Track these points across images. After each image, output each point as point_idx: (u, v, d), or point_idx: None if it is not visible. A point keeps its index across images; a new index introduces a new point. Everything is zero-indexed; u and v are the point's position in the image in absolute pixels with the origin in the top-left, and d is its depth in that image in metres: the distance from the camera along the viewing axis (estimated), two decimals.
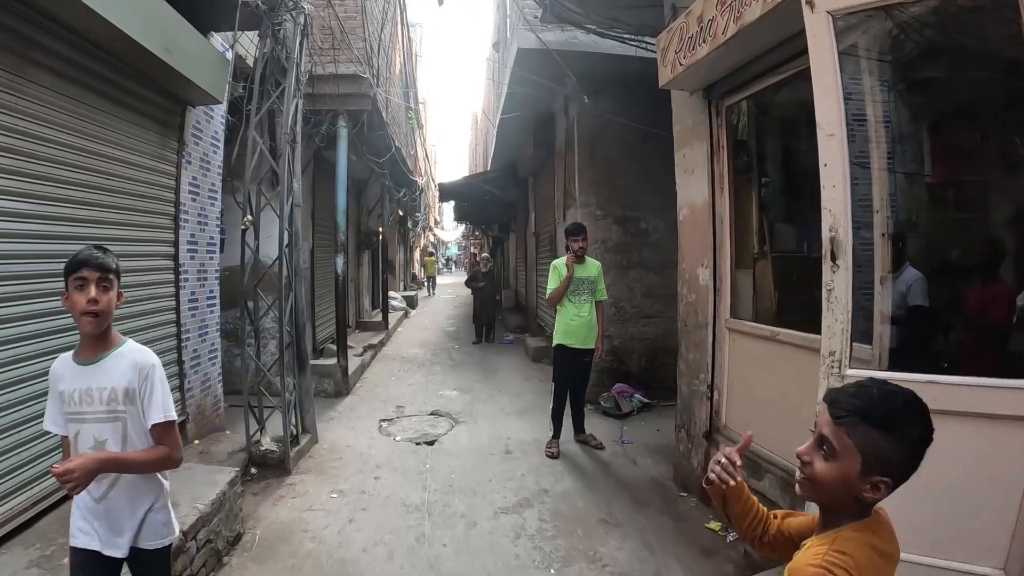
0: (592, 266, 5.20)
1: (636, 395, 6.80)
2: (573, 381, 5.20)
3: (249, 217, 4.52)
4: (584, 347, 5.05)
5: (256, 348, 4.84)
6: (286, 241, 4.74)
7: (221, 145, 5.43)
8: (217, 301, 5.36)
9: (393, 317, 13.50)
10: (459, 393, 7.28)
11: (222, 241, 5.48)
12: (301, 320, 5.10)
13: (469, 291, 25.52)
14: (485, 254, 11.32)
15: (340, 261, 6.82)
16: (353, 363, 7.95)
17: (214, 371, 5.33)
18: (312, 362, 7.03)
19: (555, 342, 5.11)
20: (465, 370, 8.64)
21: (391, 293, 16.03)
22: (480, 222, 23.58)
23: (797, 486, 1.13)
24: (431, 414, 6.40)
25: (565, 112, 7.50)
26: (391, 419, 6.22)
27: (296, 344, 5.09)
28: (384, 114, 9.03)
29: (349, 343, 9.05)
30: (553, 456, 5.06)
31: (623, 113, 6.66)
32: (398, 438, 5.61)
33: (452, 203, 19.55)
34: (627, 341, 7.04)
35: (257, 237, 4.73)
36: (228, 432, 5.38)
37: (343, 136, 7.00)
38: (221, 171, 5.41)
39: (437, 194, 14.45)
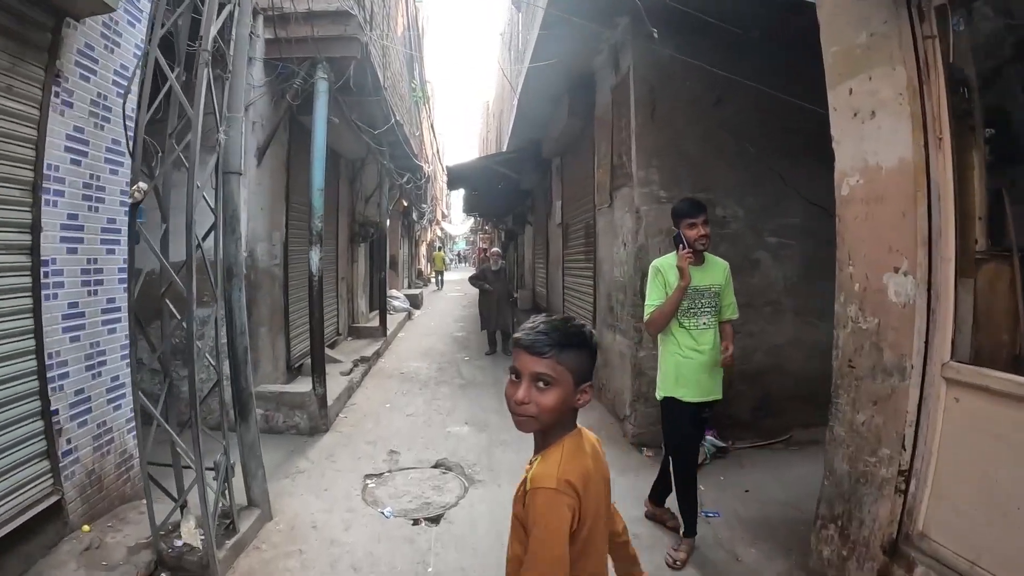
0: (717, 268, 3.32)
1: (709, 437, 5.10)
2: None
3: (142, 185, 2.81)
4: (705, 399, 3.19)
5: (165, 389, 3.13)
6: (206, 231, 3.02)
7: (135, 87, 3.72)
8: (123, 314, 3.66)
9: (394, 320, 11.82)
10: (472, 430, 5.57)
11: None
12: (240, 345, 3.40)
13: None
14: (496, 249, 9.52)
15: (315, 257, 5.11)
16: (337, 385, 6.26)
17: (119, 417, 3.65)
18: (281, 389, 5.37)
19: (662, 393, 3.27)
20: (478, 393, 6.93)
21: (392, 292, 14.35)
22: (492, 214, 21.87)
23: (519, 425, 1.32)
24: (435, 466, 4.70)
25: (613, 66, 5.75)
26: (380, 475, 4.53)
27: (233, 382, 3.40)
28: (380, 76, 7.31)
29: (337, 356, 7.38)
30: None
31: (695, 59, 4.93)
32: (388, 510, 3.91)
33: (461, 193, 17.84)
34: None
35: (166, 219, 3.02)
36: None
37: (322, 91, 5.28)
38: (133, 125, 3.69)
39: (445, 181, 12.74)
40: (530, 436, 4.77)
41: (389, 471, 4.58)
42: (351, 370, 7.13)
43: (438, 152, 24.22)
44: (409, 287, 20.25)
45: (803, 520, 3.60)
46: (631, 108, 5.16)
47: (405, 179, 12.09)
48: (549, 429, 1.31)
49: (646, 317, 3.23)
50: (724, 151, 5.31)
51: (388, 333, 9.84)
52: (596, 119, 6.42)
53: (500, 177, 12.05)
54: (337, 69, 5.55)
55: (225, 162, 3.39)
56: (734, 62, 4.90)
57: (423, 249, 29.49)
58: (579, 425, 1.37)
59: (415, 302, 15.53)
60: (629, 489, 4.31)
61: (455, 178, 11.95)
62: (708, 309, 3.19)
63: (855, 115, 2.74)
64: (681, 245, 3.13)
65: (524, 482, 1.30)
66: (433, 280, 28.33)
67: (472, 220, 39.37)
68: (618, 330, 5.59)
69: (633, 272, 5.08)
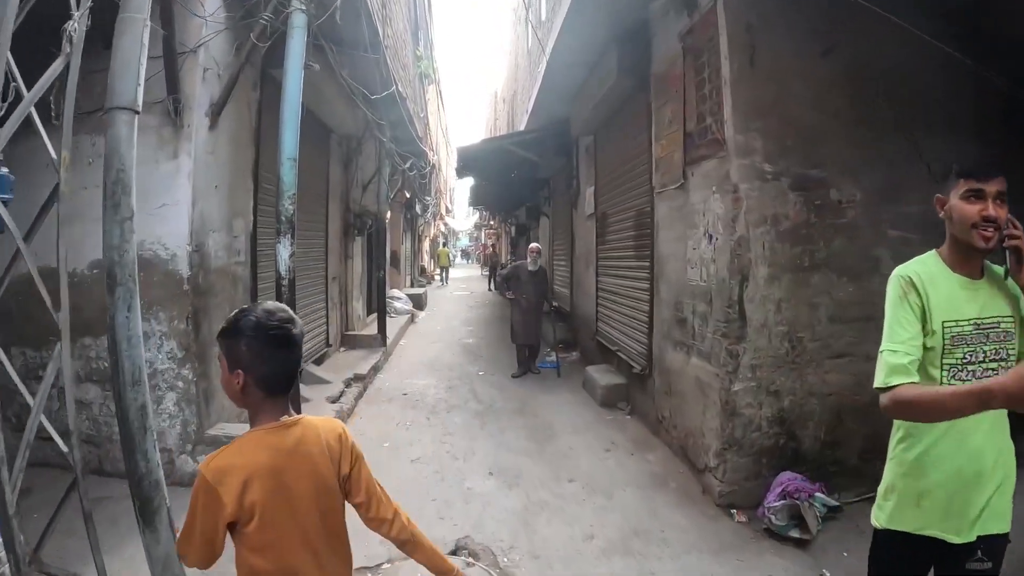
0: (1008, 287, 1.66)
1: (818, 494, 3.78)
2: None
3: None
4: (964, 538, 1.59)
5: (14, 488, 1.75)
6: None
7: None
8: None
9: (395, 324, 10.44)
10: (499, 485, 4.17)
11: None
12: (133, 402, 2.00)
13: (487, 286, 22.82)
14: (535, 244, 7.87)
15: (284, 252, 3.70)
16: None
17: None
18: (224, 433, 4.00)
19: (881, 518, 1.73)
20: (501, 424, 5.51)
21: (394, 292, 12.97)
22: (502, 207, 20.45)
23: None
24: (454, 551, 3.30)
25: (684, 5, 4.35)
26: (377, 567, 3.14)
27: (127, 464, 2.02)
28: (380, 29, 5.93)
29: (324, 374, 6.02)
30: None
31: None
32: None
33: (467, 187, 16.44)
34: (803, 399, 3.94)
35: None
36: None
37: (297, 25, 3.87)
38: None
39: (455, 167, 11.34)
40: (582, 488, 4.10)
41: (389, 561, 3.17)
42: (341, 394, 5.74)
43: (445, 132, 22.81)
44: (412, 285, 18.87)
45: None
46: (722, 53, 3.77)
47: (408, 165, 10.71)
48: (250, 414, 1.37)
49: (882, 378, 1.55)
50: (838, 115, 3.96)
51: (388, 342, 8.44)
52: (654, 78, 5.02)
53: (515, 164, 10.66)
54: (320, 1, 4.15)
55: (110, 91, 2.01)
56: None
57: (426, 244, 28.08)
58: (300, 417, 1.39)
59: (419, 302, 14.14)
60: None
61: (466, 162, 10.54)
62: (997, 361, 1.59)
63: None
64: (970, 229, 1.55)
65: None
66: (438, 276, 27.71)
67: (477, 215, 38.00)
68: (695, 351, 4.20)
69: (727, 275, 3.69)
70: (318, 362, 6.64)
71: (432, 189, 20.81)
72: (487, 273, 28.04)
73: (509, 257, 25.26)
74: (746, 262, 3.62)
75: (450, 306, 16.53)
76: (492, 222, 32.03)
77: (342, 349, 7.92)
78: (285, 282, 3.72)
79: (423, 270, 25.06)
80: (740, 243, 3.61)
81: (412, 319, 12.16)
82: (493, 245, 30.41)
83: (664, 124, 4.75)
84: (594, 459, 4.60)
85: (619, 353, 6.13)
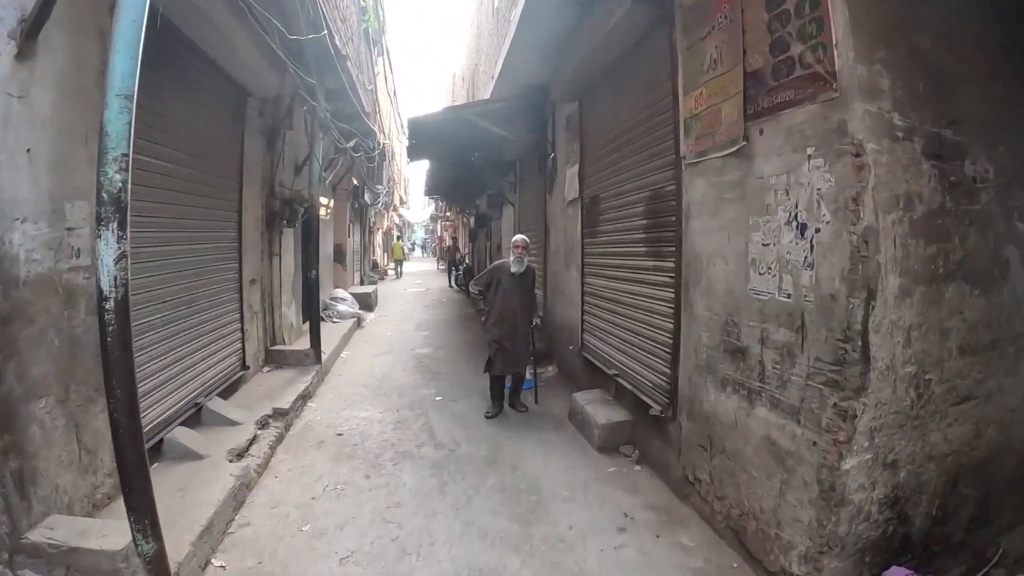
0: None
1: None
2: None
3: None
4: None
5: None
6: None
7: None
8: None
9: (337, 332, 8.84)
10: None
11: None
12: None
13: (446, 281, 21.24)
14: (520, 236, 5.84)
15: (106, 254, 2.08)
16: (211, 491, 3.35)
17: None
18: (70, 542, 2.47)
19: None
20: (468, 483, 4.02)
21: (338, 292, 11.31)
22: (459, 195, 18.88)
23: None
24: None
25: None
26: None
27: None
28: None
29: (232, 412, 4.51)
30: None
31: None
32: None
33: (422, 178, 14.81)
34: (921, 466, 2.67)
35: None
36: None
37: None
38: None
39: (406, 146, 9.73)
40: None
41: None
42: (251, 441, 4.18)
43: (399, 117, 21.01)
44: (362, 283, 17.11)
45: None
46: None
47: (352, 144, 9.08)
48: None
49: None
50: (974, 56, 2.74)
51: (324, 357, 6.84)
52: (682, 7, 3.62)
53: (476, 143, 9.19)
54: None
55: None
56: None
57: (379, 237, 26.16)
58: None
59: (367, 303, 12.44)
60: None
61: (419, 138, 8.97)
62: None
63: None
64: None
65: None
66: (392, 271, 26.63)
67: (433, 207, 36.18)
68: (765, 398, 2.86)
69: (843, 289, 2.35)
70: (226, 393, 5.02)
71: (384, 177, 19.05)
72: (444, 268, 26.70)
73: (467, 250, 23.76)
74: (874, 268, 2.28)
75: (404, 305, 14.89)
76: (448, 213, 30.38)
77: (266, 369, 6.30)
78: (109, 304, 2.16)
79: (375, 265, 23.24)
80: (866, 238, 2.26)
81: (359, 323, 10.53)
82: (454, 238, 28.74)
83: (701, 67, 3.37)
84: (607, 547, 3.20)
85: (620, 379, 4.76)
